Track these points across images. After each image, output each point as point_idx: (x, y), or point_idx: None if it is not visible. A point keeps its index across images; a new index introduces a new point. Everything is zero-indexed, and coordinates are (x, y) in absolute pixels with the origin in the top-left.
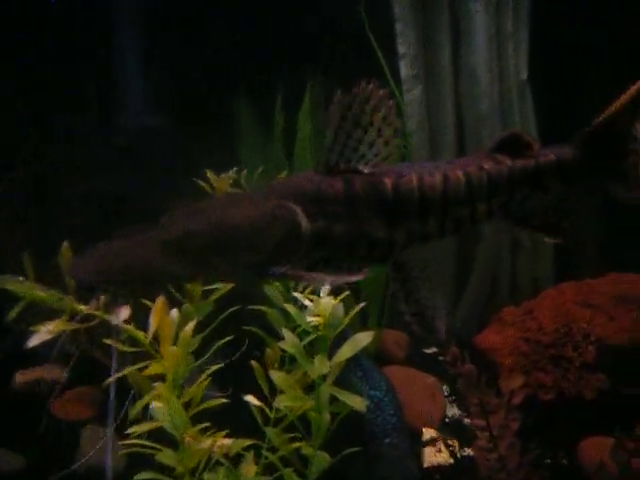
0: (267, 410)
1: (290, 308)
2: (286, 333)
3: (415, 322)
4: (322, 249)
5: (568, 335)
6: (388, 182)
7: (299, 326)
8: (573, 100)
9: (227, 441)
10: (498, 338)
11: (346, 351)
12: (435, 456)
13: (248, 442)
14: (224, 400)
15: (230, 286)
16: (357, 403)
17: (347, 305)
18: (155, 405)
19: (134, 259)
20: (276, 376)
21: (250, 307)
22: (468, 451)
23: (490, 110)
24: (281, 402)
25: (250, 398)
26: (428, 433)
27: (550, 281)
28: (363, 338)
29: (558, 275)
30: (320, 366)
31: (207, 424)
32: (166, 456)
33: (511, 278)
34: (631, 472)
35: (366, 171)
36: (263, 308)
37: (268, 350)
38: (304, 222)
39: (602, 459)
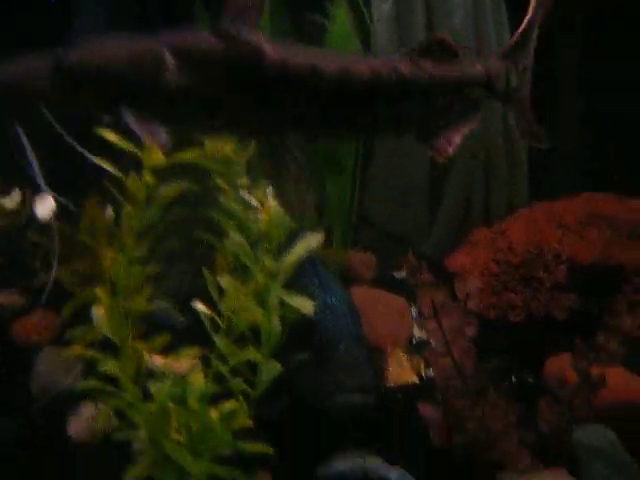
0: (217, 318)
1: (235, 206)
2: (232, 233)
3: None
4: (185, 106)
5: (539, 255)
6: (273, 54)
7: (248, 229)
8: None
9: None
10: (468, 259)
11: (297, 251)
12: (399, 375)
13: (194, 351)
14: (167, 306)
15: (178, 188)
16: (306, 307)
17: (310, 224)
18: (95, 311)
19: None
20: (224, 280)
21: (200, 211)
22: None
23: (464, 24)
24: (227, 305)
25: (198, 304)
26: (393, 353)
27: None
28: (314, 238)
29: (533, 198)
30: (266, 264)
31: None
32: (106, 364)
33: (485, 201)
34: (590, 380)
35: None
36: (213, 213)
37: (217, 255)
38: (170, 61)
39: (565, 372)
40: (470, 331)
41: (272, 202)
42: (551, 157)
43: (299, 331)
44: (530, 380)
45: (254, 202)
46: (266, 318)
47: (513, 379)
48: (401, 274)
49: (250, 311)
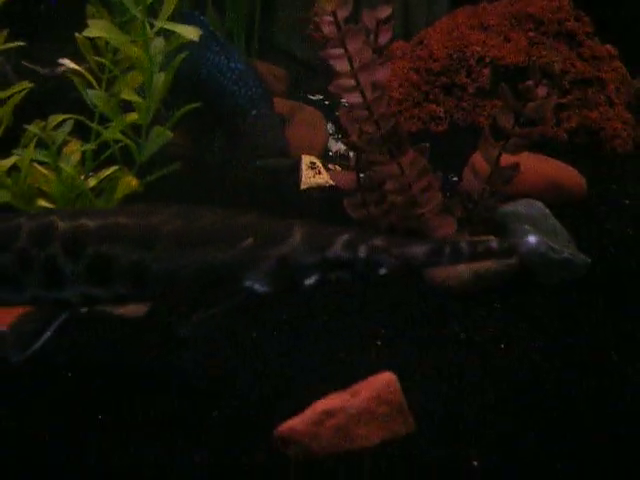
0: (89, 76)
1: None
2: None
3: None
4: None
5: (461, 60)
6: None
7: None
8: None
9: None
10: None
11: None
12: (314, 177)
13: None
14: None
15: None
16: (191, 33)
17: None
18: None
19: None
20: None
21: None
22: None
23: None
24: (91, 32)
25: (65, 61)
26: (307, 158)
27: None
28: None
29: None
30: None
31: None
32: None
33: (404, 18)
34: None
35: None
36: None
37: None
38: None
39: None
40: (382, 71)
41: None
42: None
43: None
44: (454, 178)
45: None
46: (148, 63)
47: None
48: (316, 96)
49: (132, 55)
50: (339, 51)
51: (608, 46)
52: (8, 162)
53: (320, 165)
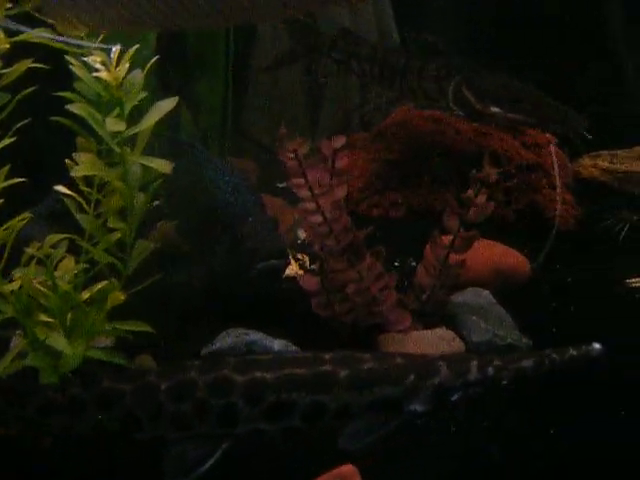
0: (81, 200)
1: (78, 69)
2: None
3: None
4: None
5: (415, 151)
6: None
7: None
8: None
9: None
10: (348, 162)
11: (152, 115)
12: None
13: (62, 236)
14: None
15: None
16: (164, 167)
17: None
18: None
19: None
20: (82, 158)
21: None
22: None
23: None
24: (78, 172)
25: (59, 187)
26: None
27: None
28: (168, 102)
29: None
30: (112, 125)
31: None
32: None
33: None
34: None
35: None
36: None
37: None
38: None
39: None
40: (340, 192)
41: (123, 65)
42: None
43: (203, 213)
44: (412, 264)
45: (99, 65)
46: (127, 190)
47: (396, 264)
48: (283, 184)
49: (112, 185)
50: (301, 181)
51: (548, 135)
52: (14, 286)
53: (291, 257)
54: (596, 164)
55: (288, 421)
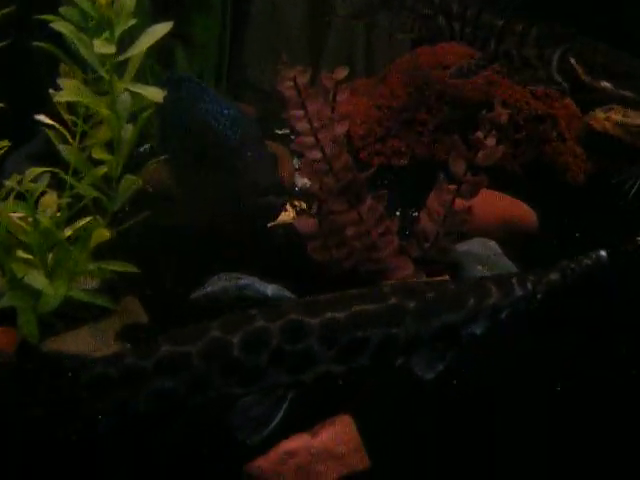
0: (64, 130)
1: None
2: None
3: None
4: None
5: (421, 97)
6: None
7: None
8: None
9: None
10: (350, 108)
11: (143, 41)
12: (281, 215)
13: (43, 169)
14: None
15: None
16: (155, 95)
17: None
18: None
19: None
20: (66, 84)
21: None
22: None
23: None
24: (62, 97)
25: (40, 116)
26: None
27: None
28: (161, 27)
29: None
30: (101, 47)
31: None
32: None
33: (366, 61)
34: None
35: None
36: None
37: (62, 66)
38: None
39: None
40: (341, 128)
41: None
42: None
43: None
44: (415, 214)
45: None
46: (115, 120)
47: (397, 213)
48: (282, 130)
49: (99, 115)
50: (300, 112)
51: None
52: None
53: (288, 204)
54: (609, 117)
55: (359, 360)
